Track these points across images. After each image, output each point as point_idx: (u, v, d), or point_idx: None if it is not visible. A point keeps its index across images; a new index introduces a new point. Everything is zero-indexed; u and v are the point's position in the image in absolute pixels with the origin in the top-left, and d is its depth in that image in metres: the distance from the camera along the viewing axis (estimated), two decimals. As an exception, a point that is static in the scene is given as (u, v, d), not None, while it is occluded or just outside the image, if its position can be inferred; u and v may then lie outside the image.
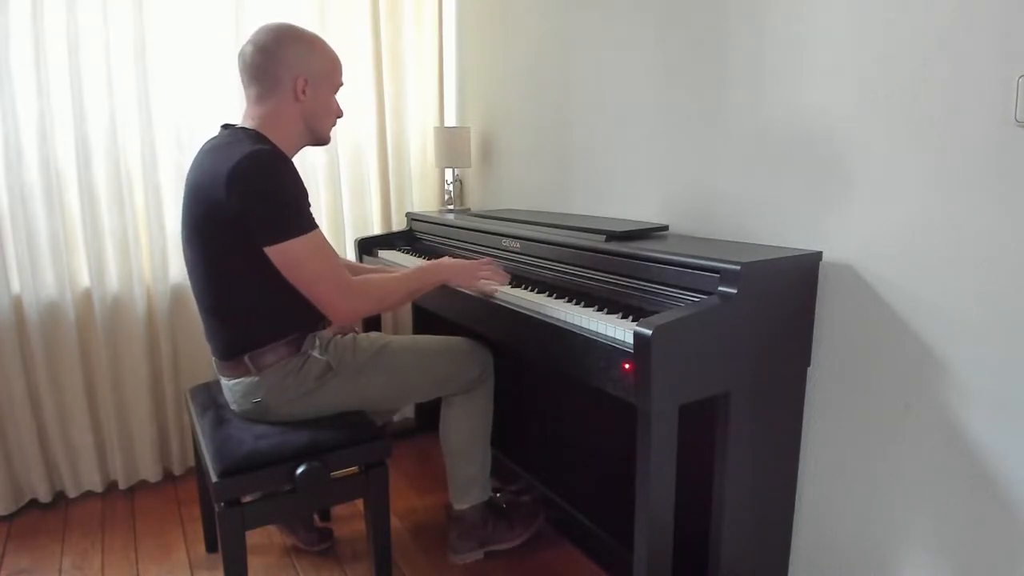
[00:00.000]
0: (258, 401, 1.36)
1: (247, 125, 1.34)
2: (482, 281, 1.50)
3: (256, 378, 1.34)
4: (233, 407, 1.42)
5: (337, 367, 1.40)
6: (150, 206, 1.97)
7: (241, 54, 1.33)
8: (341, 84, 1.43)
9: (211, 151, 1.29)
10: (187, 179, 1.32)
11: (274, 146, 1.28)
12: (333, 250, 1.32)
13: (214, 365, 1.43)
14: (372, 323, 2.27)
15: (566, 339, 1.23)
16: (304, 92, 1.33)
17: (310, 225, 1.27)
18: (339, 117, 1.45)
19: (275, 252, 1.24)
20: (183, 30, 1.97)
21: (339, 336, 1.45)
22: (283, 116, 1.34)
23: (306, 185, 2.14)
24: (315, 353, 1.38)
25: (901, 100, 1.13)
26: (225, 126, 1.37)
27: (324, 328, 1.44)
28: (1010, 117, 0.99)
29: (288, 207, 1.24)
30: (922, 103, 1.10)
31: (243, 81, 1.35)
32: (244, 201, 1.20)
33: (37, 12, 1.76)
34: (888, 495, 1.24)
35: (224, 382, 1.41)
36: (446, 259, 1.53)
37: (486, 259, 1.58)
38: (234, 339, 1.34)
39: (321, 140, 1.44)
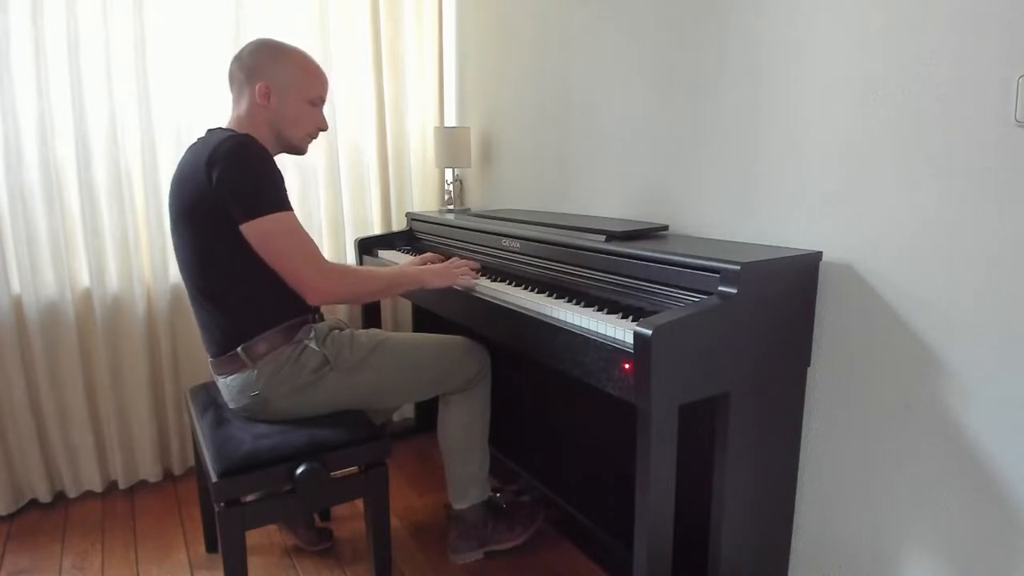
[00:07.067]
0: (256, 394, 1.36)
1: (225, 126, 1.42)
2: (460, 279, 1.56)
3: (252, 371, 1.35)
4: (231, 405, 1.43)
5: (334, 362, 1.40)
6: (150, 206, 1.97)
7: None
8: (319, 97, 1.46)
9: (192, 148, 1.36)
10: (172, 179, 1.38)
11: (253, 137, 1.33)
12: (308, 235, 1.35)
13: (210, 367, 1.43)
14: (371, 320, 2.27)
15: (566, 339, 1.23)
16: (267, 98, 1.39)
17: (285, 206, 1.31)
18: (322, 130, 1.49)
19: (250, 229, 1.28)
20: (183, 30, 1.97)
21: (336, 331, 1.46)
22: (252, 120, 1.41)
23: (306, 185, 2.20)
24: (311, 344, 1.38)
25: (901, 100, 1.13)
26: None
27: (318, 320, 1.44)
28: (1010, 117, 0.99)
29: (264, 188, 1.29)
30: (922, 103, 1.10)
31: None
32: (223, 180, 1.25)
33: (37, 12, 1.76)
34: (888, 495, 1.24)
35: (221, 381, 1.41)
36: (426, 266, 1.60)
37: (456, 261, 1.64)
38: (227, 330, 1.36)
39: (292, 148, 1.48)
